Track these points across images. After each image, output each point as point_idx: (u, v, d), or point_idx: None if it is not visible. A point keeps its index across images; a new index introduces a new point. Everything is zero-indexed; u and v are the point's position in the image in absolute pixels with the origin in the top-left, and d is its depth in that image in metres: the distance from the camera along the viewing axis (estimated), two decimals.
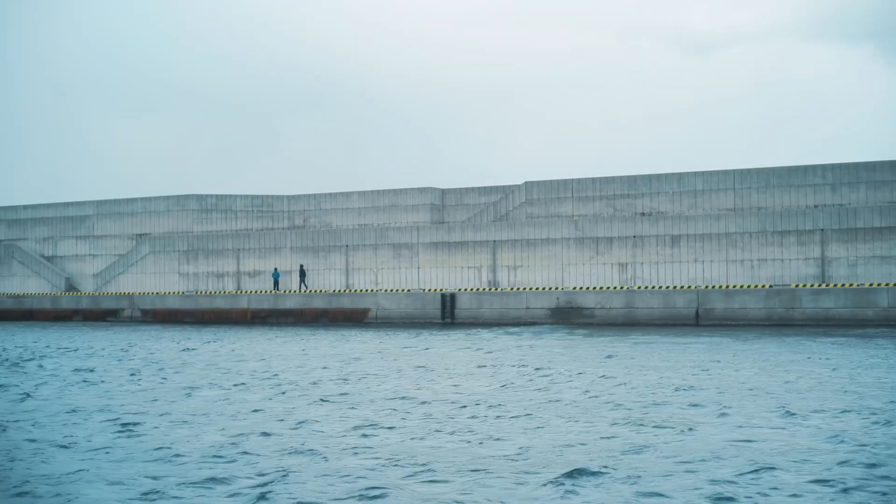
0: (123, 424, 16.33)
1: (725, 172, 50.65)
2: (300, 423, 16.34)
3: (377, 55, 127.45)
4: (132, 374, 25.19)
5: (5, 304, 62.11)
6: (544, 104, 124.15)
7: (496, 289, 49.68)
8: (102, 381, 23.55)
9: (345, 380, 22.97)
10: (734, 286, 44.39)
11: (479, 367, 25.73)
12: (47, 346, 36.40)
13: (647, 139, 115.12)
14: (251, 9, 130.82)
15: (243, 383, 22.49)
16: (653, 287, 46.03)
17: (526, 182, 55.04)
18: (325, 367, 26.16)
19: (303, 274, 55.06)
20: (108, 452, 13.91)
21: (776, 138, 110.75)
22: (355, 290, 52.82)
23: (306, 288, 54.83)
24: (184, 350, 33.87)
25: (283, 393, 20.61)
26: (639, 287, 46.58)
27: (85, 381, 23.60)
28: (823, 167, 48.91)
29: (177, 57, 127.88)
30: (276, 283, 55.06)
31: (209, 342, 38.16)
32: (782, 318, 41.72)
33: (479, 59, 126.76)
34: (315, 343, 36.66)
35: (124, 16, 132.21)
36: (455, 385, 21.58)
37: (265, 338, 40.26)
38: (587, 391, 19.87)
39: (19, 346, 37.42)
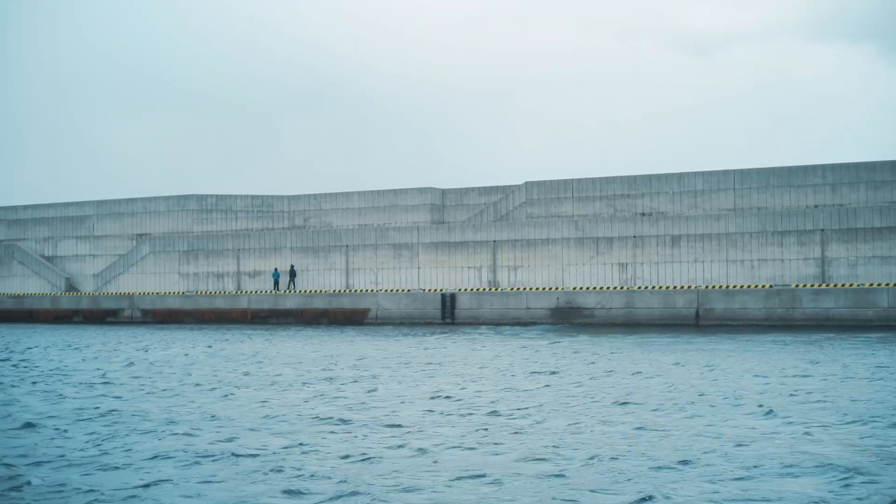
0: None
1: (725, 172, 50.64)
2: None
3: (377, 55, 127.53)
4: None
5: (5, 304, 62.10)
6: (544, 104, 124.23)
7: (496, 289, 49.67)
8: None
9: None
10: (734, 286, 44.38)
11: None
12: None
13: (647, 139, 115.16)
14: (251, 9, 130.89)
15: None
16: (653, 287, 46.01)
17: (526, 182, 55.03)
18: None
19: (293, 274, 55.19)
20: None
21: (776, 138, 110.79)
22: (355, 291, 52.81)
23: (294, 288, 54.97)
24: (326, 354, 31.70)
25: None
26: (639, 287, 46.57)
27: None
28: (823, 167, 48.90)
29: (177, 57, 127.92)
30: (276, 284, 55.08)
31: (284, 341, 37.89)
32: (782, 319, 41.71)
33: (479, 59, 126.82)
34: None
35: (124, 16, 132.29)
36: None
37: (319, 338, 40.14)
38: None
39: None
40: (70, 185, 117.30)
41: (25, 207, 68.91)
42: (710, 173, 50.94)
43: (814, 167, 49.10)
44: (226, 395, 20.62)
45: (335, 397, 20.02)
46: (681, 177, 51.56)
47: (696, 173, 51.31)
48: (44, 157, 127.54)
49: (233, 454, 13.79)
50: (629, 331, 40.61)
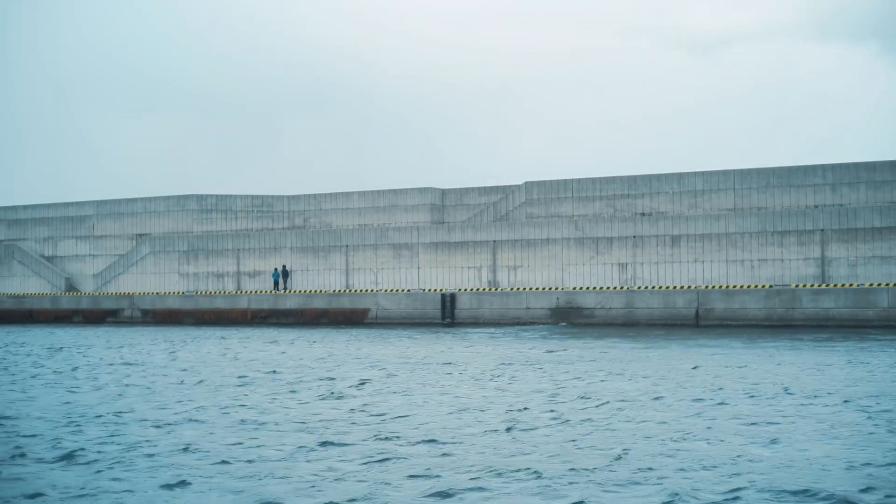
0: None
1: (725, 172, 50.64)
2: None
3: (378, 55, 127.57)
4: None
5: (5, 304, 62.09)
6: (544, 104, 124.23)
7: (496, 289, 49.68)
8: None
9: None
10: (734, 286, 44.38)
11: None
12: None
13: (647, 139, 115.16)
14: (251, 9, 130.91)
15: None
16: (653, 287, 46.02)
17: (526, 182, 55.03)
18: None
19: (286, 274, 55.28)
20: None
21: (776, 138, 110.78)
22: (355, 291, 52.82)
23: (288, 287, 55.05)
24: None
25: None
26: (639, 287, 46.57)
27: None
28: (823, 167, 48.91)
29: (177, 57, 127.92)
30: (275, 284, 55.14)
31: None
32: (782, 318, 41.71)
33: (479, 59, 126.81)
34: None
35: (124, 16, 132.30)
36: None
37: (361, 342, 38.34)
38: None
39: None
40: (70, 185, 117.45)
41: (25, 207, 68.92)
42: (710, 173, 50.95)
43: (814, 167, 49.10)
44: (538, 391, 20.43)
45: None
46: (681, 177, 51.57)
47: (696, 173, 51.32)
48: (44, 157, 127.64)
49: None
50: (632, 331, 40.59)
